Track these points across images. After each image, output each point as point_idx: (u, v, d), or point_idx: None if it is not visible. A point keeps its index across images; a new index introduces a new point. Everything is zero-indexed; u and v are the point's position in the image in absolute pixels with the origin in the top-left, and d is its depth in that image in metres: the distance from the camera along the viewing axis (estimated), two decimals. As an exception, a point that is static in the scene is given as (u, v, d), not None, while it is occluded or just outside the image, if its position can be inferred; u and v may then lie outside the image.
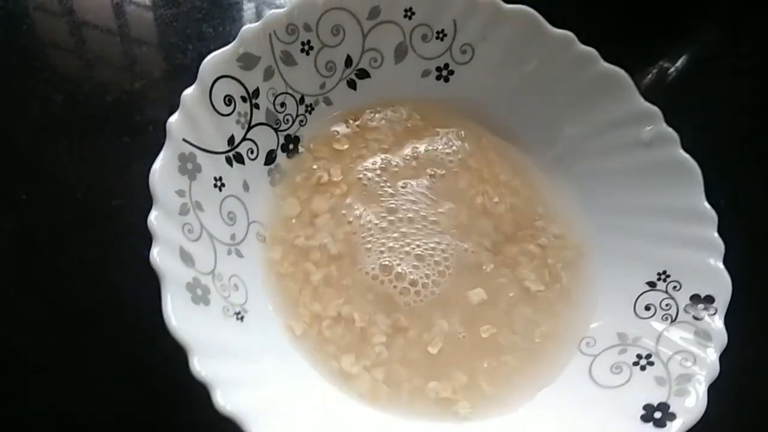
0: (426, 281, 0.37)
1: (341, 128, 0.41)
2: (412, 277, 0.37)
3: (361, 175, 0.40)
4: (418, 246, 0.38)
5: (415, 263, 0.37)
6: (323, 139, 0.40)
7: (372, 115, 0.42)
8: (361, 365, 0.35)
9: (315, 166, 0.39)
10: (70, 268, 0.39)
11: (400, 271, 0.37)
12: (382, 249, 0.37)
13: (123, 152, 0.41)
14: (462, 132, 0.42)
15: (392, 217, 0.39)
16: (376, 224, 0.38)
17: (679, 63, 0.55)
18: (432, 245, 0.38)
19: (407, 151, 0.41)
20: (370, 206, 0.39)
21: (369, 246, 0.37)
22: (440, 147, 0.42)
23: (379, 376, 0.35)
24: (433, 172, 0.41)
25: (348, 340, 0.35)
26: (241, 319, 0.32)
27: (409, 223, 0.39)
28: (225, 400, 0.28)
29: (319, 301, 0.36)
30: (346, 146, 0.40)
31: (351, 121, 0.41)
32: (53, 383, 0.36)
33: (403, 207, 0.39)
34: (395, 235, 0.38)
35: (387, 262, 0.37)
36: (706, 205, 0.36)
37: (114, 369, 0.36)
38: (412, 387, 0.35)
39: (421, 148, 0.41)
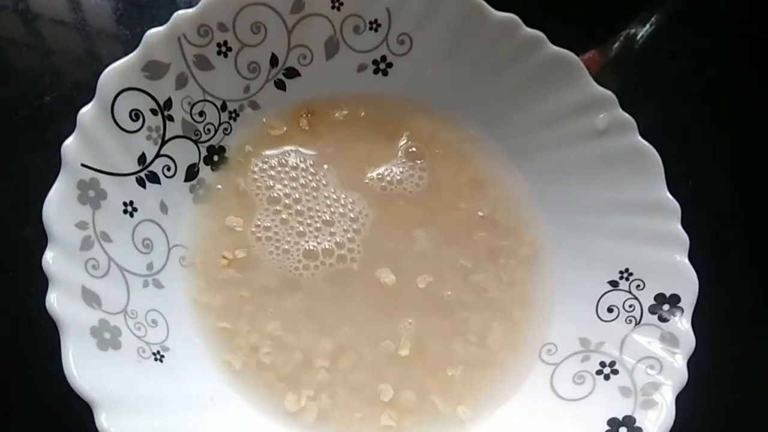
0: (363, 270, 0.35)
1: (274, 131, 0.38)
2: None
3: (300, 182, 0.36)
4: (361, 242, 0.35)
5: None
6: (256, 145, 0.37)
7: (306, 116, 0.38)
8: (305, 396, 0.32)
9: (241, 179, 0.36)
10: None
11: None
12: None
13: (35, 176, 0.38)
14: (406, 129, 0.39)
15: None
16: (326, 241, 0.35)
17: (634, 42, 0.51)
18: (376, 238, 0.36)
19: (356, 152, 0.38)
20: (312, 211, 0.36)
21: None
22: (381, 144, 0.39)
23: (326, 405, 0.32)
24: (381, 173, 0.38)
25: (290, 369, 0.33)
26: (161, 359, 0.29)
27: (352, 222, 0.36)
28: (140, 460, 0.25)
29: (256, 330, 0.33)
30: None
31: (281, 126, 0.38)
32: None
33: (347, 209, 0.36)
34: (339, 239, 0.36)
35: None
36: (668, 195, 0.34)
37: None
38: (361, 415, 0.33)
39: (367, 151, 0.38)
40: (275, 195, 0.36)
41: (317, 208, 0.36)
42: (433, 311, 0.35)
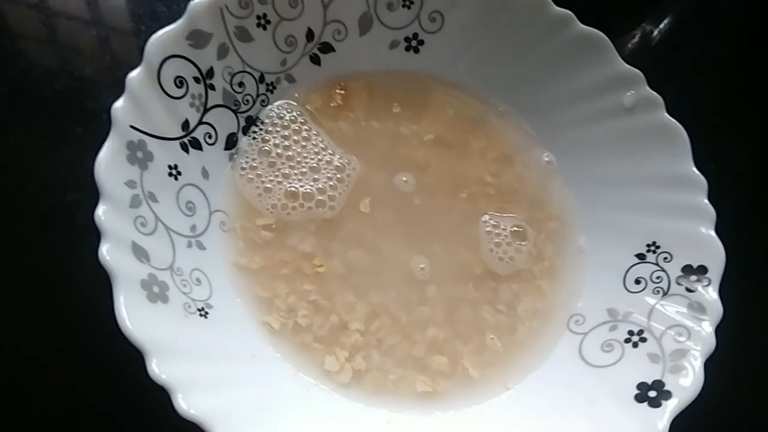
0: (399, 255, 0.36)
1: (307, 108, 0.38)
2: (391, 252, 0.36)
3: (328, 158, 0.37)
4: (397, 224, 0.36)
5: (391, 239, 0.36)
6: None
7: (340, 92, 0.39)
8: (341, 357, 0.33)
9: (279, 150, 0.36)
10: (23, 268, 0.36)
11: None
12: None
13: (76, 143, 0.39)
14: (434, 101, 0.40)
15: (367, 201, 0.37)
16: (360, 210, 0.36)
17: (661, 25, 0.52)
18: (407, 219, 0.37)
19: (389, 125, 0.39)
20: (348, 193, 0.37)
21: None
22: (411, 119, 0.39)
23: (361, 366, 0.33)
24: (410, 145, 0.39)
25: (326, 330, 0.33)
26: (205, 315, 0.30)
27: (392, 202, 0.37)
28: (188, 404, 0.25)
29: (294, 292, 0.34)
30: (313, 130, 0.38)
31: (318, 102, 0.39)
32: (10, 389, 0.34)
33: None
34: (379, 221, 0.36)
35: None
36: (695, 170, 0.35)
37: (75, 374, 0.34)
38: (395, 377, 0.33)
39: (396, 127, 0.39)
40: (299, 161, 0.37)
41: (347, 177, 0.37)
42: (460, 281, 0.36)
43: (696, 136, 0.35)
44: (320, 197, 0.36)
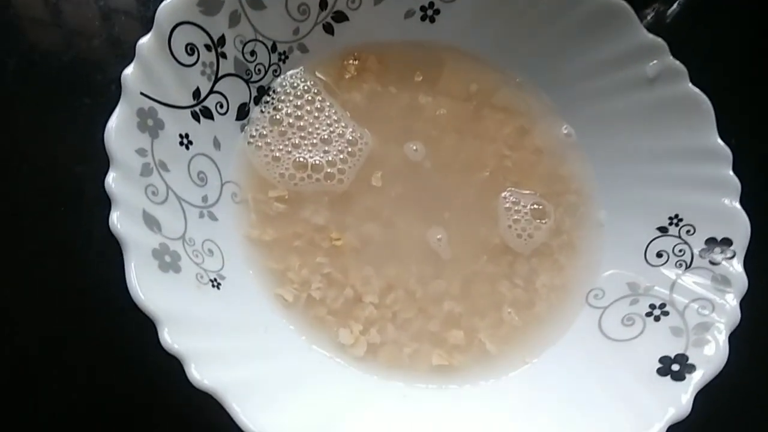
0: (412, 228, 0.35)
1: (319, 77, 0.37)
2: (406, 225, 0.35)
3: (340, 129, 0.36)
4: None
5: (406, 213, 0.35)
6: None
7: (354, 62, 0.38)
8: (356, 330, 0.32)
9: (290, 120, 0.36)
10: (33, 242, 0.36)
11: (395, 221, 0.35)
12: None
13: (85, 115, 0.38)
14: (449, 72, 0.39)
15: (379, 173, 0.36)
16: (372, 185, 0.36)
17: (675, 2, 0.51)
18: (421, 193, 0.36)
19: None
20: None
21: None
22: (426, 91, 0.38)
23: (375, 340, 0.33)
24: (425, 117, 0.38)
25: (340, 303, 0.33)
26: (218, 286, 0.30)
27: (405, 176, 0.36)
28: (201, 374, 0.25)
29: (307, 265, 0.33)
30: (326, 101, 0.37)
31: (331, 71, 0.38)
32: (23, 361, 0.34)
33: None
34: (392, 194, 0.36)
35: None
36: (720, 141, 0.34)
37: (87, 349, 0.34)
38: (410, 350, 0.33)
39: (411, 97, 0.38)
40: (310, 131, 0.36)
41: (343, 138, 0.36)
42: (477, 255, 0.35)
43: (720, 110, 0.34)
44: (329, 170, 0.35)
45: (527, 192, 0.37)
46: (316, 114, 0.36)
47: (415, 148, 0.37)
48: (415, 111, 0.38)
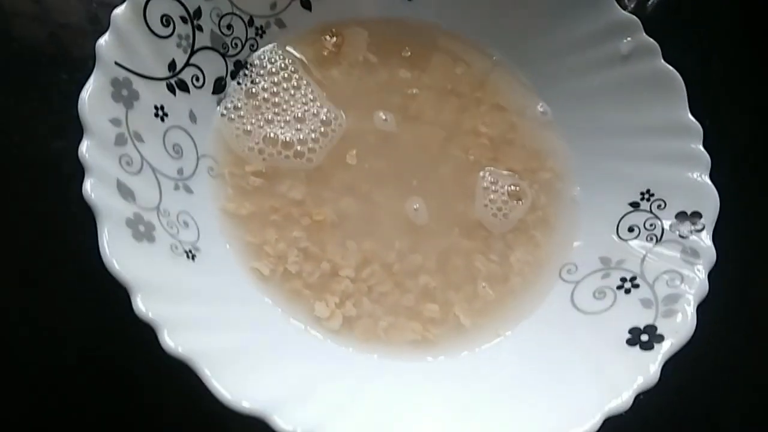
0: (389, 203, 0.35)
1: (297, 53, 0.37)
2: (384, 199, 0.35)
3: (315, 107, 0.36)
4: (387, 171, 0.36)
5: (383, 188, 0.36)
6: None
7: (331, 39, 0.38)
8: (332, 303, 0.33)
9: (266, 95, 0.36)
10: (9, 217, 0.36)
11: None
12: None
13: (62, 91, 0.38)
14: (427, 50, 0.39)
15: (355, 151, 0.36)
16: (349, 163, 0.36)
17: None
18: (398, 168, 0.36)
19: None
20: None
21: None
22: (404, 68, 0.39)
23: (351, 313, 0.33)
24: (403, 95, 0.38)
25: (317, 277, 0.33)
26: (192, 258, 0.30)
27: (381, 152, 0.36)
28: (175, 342, 0.25)
29: (284, 239, 0.33)
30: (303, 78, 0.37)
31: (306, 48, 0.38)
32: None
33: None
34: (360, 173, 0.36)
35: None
36: (691, 117, 0.34)
37: (64, 318, 0.34)
38: (386, 323, 0.33)
39: (389, 75, 0.38)
40: (284, 108, 0.36)
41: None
42: (452, 230, 0.36)
43: (693, 91, 0.34)
44: (299, 147, 0.35)
45: (506, 172, 0.38)
46: (292, 92, 0.36)
47: (386, 119, 0.37)
48: (392, 87, 0.38)
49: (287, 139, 0.35)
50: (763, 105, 0.47)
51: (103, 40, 0.29)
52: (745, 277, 0.39)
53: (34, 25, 0.40)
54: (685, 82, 0.35)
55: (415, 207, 0.35)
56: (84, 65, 0.38)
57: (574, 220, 0.37)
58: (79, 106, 0.27)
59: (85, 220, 0.26)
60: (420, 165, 0.37)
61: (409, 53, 0.39)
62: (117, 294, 0.25)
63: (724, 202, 0.32)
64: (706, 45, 0.49)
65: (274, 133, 0.35)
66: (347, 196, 0.35)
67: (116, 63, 0.29)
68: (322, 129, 0.36)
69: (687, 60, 0.36)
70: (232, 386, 0.25)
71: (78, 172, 0.27)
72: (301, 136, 0.35)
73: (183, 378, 0.25)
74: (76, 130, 0.27)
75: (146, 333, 0.25)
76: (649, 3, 0.51)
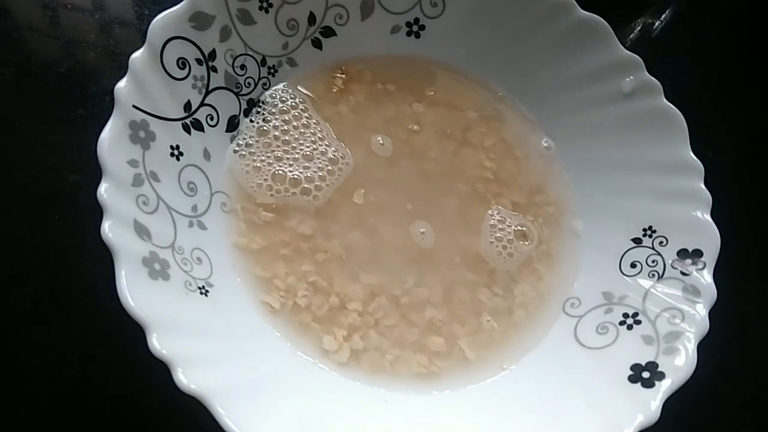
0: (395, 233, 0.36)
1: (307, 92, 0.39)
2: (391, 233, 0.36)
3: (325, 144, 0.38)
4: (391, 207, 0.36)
5: (389, 220, 0.37)
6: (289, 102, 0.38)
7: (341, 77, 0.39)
8: (340, 336, 0.33)
9: (277, 133, 0.37)
10: (26, 250, 0.37)
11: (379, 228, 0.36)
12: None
13: (79, 125, 0.39)
14: (434, 86, 0.40)
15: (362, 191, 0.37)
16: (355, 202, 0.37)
17: (661, 17, 0.53)
18: (406, 202, 0.37)
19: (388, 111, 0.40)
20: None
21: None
22: (411, 104, 0.40)
23: (359, 346, 0.34)
24: (409, 130, 0.39)
25: (325, 310, 0.34)
26: (206, 294, 0.31)
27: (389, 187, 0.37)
28: (189, 379, 0.26)
29: (293, 273, 0.34)
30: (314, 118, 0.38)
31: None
32: (13, 362, 0.34)
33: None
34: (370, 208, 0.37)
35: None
36: (692, 156, 0.35)
37: (77, 354, 0.35)
38: (392, 356, 0.34)
39: (396, 111, 0.39)
40: (294, 146, 0.37)
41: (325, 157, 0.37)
42: (458, 264, 0.36)
43: (694, 127, 0.35)
44: (306, 185, 0.36)
45: (515, 213, 0.38)
46: (302, 130, 0.37)
47: (392, 153, 0.38)
48: (399, 122, 0.39)
49: (295, 176, 0.36)
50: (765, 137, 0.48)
51: (121, 84, 0.30)
52: (746, 315, 0.39)
53: (53, 60, 0.41)
54: (690, 113, 0.35)
55: (421, 231, 0.36)
56: (101, 101, 0.40)
57: (577, 255, 0.37)
58: (98, 149, 0.28)
59: (100, 254, 0.27)
60: (426, 198, 0.38)
61: (417, 89, 0.40)
62: (129, 329, 0.26)
63: (725, 237, 0.33)
64: (707, 80, 0.50)
65: (282, 170, 0.36)
66: (355, 230, 0.36)
67: (134, 106, 0.30)
68: (330, 167, 0.37)
69: (690, 95, 0.37)
70: (245, 423, 0.26)
71: (94, 204, 0.28)
72: (309, 174, 0.36)
73: (196, 412, 0.26)
74: (92, 164, 0.28)
75: (157, 368, 0.26)
76: (655, 26, 0.52)
